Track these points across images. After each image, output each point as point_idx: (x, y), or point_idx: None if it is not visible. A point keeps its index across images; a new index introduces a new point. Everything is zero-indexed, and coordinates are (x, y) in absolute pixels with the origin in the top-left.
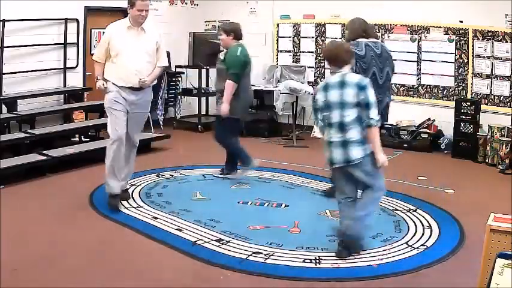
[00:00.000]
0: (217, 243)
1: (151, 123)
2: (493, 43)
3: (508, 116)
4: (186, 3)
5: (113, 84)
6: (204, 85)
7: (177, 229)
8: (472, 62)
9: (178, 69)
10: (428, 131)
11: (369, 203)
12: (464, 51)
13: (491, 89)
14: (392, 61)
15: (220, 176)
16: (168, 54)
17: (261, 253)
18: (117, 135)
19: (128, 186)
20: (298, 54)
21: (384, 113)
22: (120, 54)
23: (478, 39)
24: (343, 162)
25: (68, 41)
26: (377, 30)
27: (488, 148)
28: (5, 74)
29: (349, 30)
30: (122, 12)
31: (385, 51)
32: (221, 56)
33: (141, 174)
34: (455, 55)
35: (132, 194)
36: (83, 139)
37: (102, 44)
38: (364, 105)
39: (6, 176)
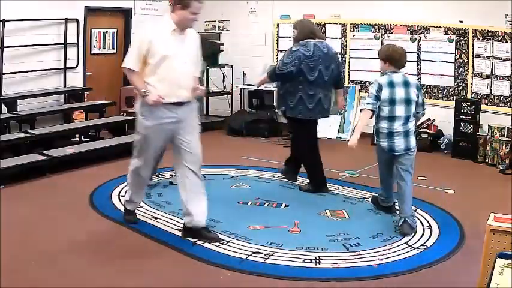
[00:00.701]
0: (217, 243)
1: None
2: (493, 43)
3: (508, 116)
4: None
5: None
6: (204, 85)
7: (177, 229)
8: (472, 62)
9: None
10: (428, 131)
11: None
12: (464, 51)
13: (491, 89)
14: (338, 59)
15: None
16: None
17: (261, 253)
18: (140, 165)
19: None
20: None
21: (327, 107)
22: (166, 63)
23: (478, 39)
24: (404, 150)
25: (68, 41)
26: (377, 30)
27: (488, 148)
28: (5, 74)
29: (298, 30)
30: (121, 13)
31: (330, 51)
32: None
33: None
34: (455, 55)
35: None
36: (83, 139)
37: (137, 49)
38: (421, 103)
39: (6, 176)
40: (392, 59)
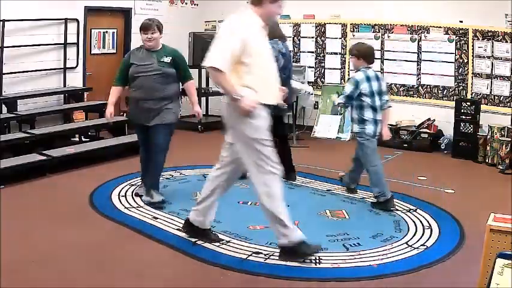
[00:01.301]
0: (217, 243)
1: None
2: (493, 43)
3: (508, 116)
4: (186, 3)
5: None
6: (204, 85)
7: (177, 229)
8: (472, 62)
9: None
10: (428, 131)
11: None
12: (464, 51)
13: (491, 89)
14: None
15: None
16: None
17: (261, 253)
18: (280, 169)
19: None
20: (298, 54)
21: (290, 101)
22: (262, 62)
23: (478, 39)
24: (378, 134)
25: (68, 41)
26: (377, 30)
27: (488, 148)
28: (5, 74)
29: (270, 30)
30: (121, 13)
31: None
32: (162, 57)
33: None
34: (455, 55)
35: (132, 193)
36: (83, 139)
37: (230, 47)
38: (385, 93)
39: (6, 176)
40: (365, 55)
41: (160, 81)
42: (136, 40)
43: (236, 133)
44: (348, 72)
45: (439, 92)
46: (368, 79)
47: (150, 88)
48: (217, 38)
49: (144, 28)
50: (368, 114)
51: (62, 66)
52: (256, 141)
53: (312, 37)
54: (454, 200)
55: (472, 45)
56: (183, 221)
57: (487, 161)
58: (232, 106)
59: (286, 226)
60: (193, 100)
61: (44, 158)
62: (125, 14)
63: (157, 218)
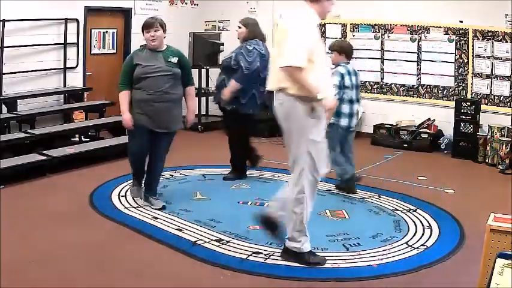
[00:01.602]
0: (217, 243)
1: None
2: (493, 43)
3: (508, 116)
4: (186, 3)
5: None
6: (204, 85)
7: (177, 229)
8: (472, 62)
9: None
10: (428, 131)
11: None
12: (464, 51)
13: (491, 89)
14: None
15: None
16: None
17: (261, 253)
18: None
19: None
20: None
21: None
22: (322, 60)
23: (478, 39)
24: (353, 127)
25: (68, 41)
26: (377, 30)
27: (488, 148)
28: (5, 74)
29: (249, 29)
30: (121, 13)
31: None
32: (170, 58)
33: None
34: (455, 55)
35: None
36: (83, 139)
37: (307, 44)
38: (359, 88)
39: (6, 176)
40: (347, 51)
41: (170, 83)
42: (137, 40)
43: (295, 132)
44: None
45: (439, 92)
46: (349, 73)
47: (159, 90)
48: (290, 37)
49: (147, 26)
50: (345, 107)
51: (62, 66)
52: (313, 143)
53: None
54: (454, 200)
55: (472, 45)
56: (183, 221)
57: (487, 161)
58: (291, 104)
59: (305, 235)
60: (192, 107)
61: (44, 158)
62: (125, 14)
63: (157, 218)
